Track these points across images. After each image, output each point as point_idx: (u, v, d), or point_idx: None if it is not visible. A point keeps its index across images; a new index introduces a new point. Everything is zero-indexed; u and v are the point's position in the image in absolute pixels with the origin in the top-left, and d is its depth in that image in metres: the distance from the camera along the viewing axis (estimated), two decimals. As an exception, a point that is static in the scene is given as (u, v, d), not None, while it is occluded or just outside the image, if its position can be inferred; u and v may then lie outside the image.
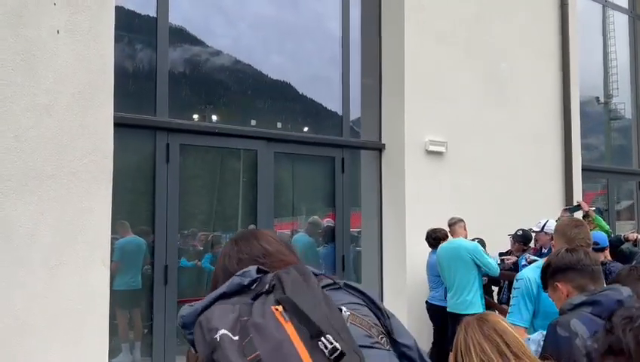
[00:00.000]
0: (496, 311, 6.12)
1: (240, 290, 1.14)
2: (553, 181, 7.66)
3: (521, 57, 7.35)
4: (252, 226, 5.44)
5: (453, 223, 5.73)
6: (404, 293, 6.08)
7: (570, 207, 6.74)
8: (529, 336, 2.25)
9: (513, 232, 6.30)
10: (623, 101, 10.01)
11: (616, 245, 5.69)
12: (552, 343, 1.88)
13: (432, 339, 5.93)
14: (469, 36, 6.80)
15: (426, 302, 5.98)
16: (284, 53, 6.25)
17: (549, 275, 2.21)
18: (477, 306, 5.40)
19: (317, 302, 1.06)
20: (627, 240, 6.04)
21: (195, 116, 5.57)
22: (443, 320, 5.70)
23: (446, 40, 6.55)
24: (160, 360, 4.65)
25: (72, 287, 3.68)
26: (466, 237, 5.71)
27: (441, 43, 6.50)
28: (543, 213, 6.53)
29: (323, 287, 1.15)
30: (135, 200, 5.01)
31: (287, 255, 1.36)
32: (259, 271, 1.18)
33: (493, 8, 7.11)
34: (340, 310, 1.11)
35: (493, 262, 5.51)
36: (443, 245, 5.69)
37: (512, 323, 2.71)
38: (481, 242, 5.95)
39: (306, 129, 6.36)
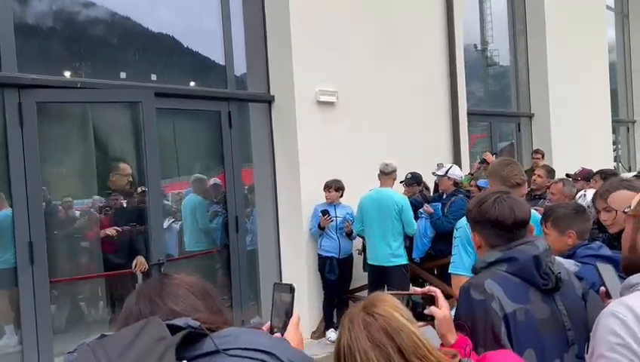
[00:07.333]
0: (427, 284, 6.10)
1: None
2: (442, 127, 7.75)
3: (410, 7, 7.22)
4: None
5: (389, 172, 5.55)
6: (302, 247, 5.91)
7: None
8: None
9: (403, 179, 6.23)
10: (497, 48, 10.43)
11: None
12: (466, 307, 1.69)
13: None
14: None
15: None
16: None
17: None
18: (403, 258, 5.49)
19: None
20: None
21: (65, 72, 4.86)
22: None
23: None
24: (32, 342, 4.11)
25: None
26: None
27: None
28: (435, 158, 6.59)
29: (191, 359, 1.03)
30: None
31: (202, 311, 1.16)
32: None
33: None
34: None
35: (414, 223, 5.57)
36: (369, 194, 5.56)
37: (457, 274, 2.60)
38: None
39: (189, 82, 5.82)
